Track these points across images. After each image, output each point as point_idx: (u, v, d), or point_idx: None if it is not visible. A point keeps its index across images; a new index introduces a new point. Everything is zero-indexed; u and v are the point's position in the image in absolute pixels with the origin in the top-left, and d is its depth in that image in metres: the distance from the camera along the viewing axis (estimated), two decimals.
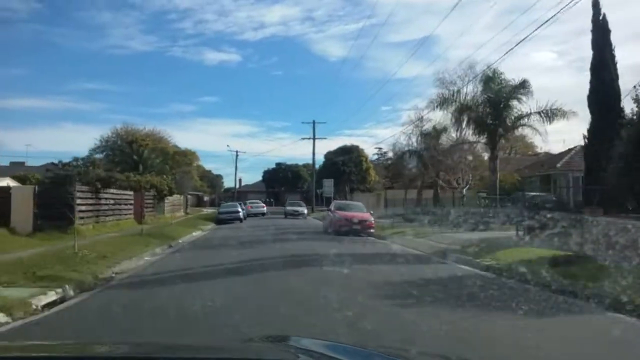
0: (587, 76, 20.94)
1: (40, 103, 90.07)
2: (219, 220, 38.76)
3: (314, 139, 60.83)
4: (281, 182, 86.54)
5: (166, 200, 41.85)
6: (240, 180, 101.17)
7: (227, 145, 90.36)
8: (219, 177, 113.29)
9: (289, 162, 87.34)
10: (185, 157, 57.45)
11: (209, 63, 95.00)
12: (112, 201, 27.23)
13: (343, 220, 24.86)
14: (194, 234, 26.83)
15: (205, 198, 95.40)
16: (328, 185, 49.11)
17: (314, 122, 60.70)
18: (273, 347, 2.44)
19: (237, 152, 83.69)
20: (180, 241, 22.06)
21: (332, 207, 28.44)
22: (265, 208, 54.15)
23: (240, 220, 40.02)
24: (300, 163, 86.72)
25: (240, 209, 41.08)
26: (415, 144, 38.20)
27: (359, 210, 26.95)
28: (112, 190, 26.86)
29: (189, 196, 61.20)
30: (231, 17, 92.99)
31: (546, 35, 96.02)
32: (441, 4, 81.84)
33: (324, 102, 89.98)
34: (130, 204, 31.68)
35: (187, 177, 52.31)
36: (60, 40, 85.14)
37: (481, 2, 75.95)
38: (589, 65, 20.69)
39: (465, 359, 3.87)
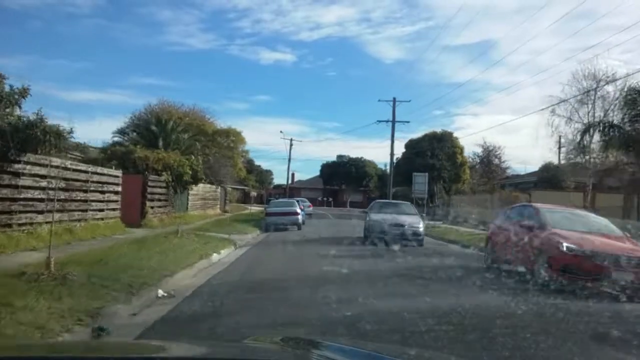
0: None
1: (99, 96, 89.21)
2: (267, 225, 25.29)
3: (393, 121, 46.54)
4: (342, 178, 72.46)
5: (191, 191, 28.53)
6: (293, 175, 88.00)
7: (281, 132, 79.80)
8: (269, 172, 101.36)
9: (352, 156, 73.14)
10: (228, 138, 44.22)
11: (265, 62, 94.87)
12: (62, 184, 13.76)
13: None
14: (213, 258, 13.01)
15: (253, 193, 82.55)
16: (420, 181, 34.84)
17: (394, 100, 46.41)
18: (273, 347, 2.40)
19: (291, 139, 70.50)
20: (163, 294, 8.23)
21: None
22: (311, 208, 40.45)
23: (299, 226, 26.34)
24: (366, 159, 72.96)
25: (298, 209, 27.31)
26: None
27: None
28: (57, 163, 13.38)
29: (229, 189, 48.00)
30: (288, 17, 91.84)
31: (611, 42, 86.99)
32: (500, 8, 75.08)
33: (378, 105, 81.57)
34: (115, 192, 18.32)
35: (226, 162, 38.78)
36: (121, 35, 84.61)
37: (543, 6, 69.68)
38: None
39: (464, 359, 3.71)
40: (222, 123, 45.91)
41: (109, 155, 24.14)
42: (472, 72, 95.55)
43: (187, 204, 28.17)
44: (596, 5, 65.54)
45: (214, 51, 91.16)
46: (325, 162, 74.53)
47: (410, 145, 47.26)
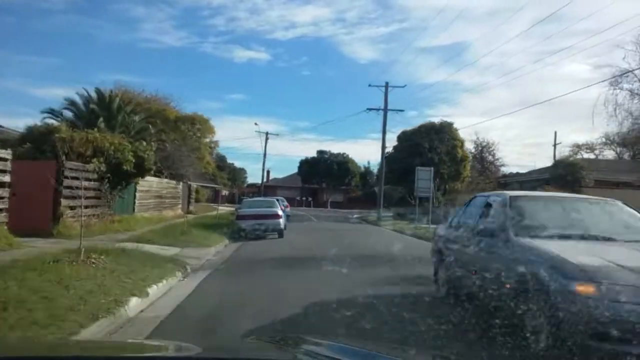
0: None
1: (71, 93, 78.70)
2: (238, 233, 19.13)
3: (385, 110, 40.62)
4: (322, 175, 66.31)
5: (139, 187, 21.99)
6: (268, 172, 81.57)
7: (255, 124, 73.29)
8: (242, 170, 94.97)
9: (335, 151, 67.06)
10: (193, 126, 37.59)
11: (239, 60, 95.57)
12: None
13: None
14: (118, 315, 6.54)
15: (224, 192, 75.90)
16: (424, 177, 28.90)
17: (386, 85, 40.51)
18: (273, 347, 2.41)
19: (267, 133, 64.02)
20: None
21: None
22: (288, 209, 34.47)
23: (280, 232, 20.20)
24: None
25: (279, 211, 21.13)
26: None
27: None
28: None
29: (196, 186, 41.34)
30: (263, 15, 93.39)
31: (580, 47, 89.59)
32: (474, 11, 76.41)
33: (353, 104, 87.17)
34: None
35: (190, 153, 32.23)
36: (94, 31, 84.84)
37: (514, 10, 73.61)
38: None
39: (464, 358, 3.77)
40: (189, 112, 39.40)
41: (22, 137, 17.77)
42: (444, 73, 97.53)
43: (134, 203, 21.62)
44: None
45: (186, 49, 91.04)
46: (304, 158, 68.23)
47: (404, 137, 41.37)
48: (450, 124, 40.49)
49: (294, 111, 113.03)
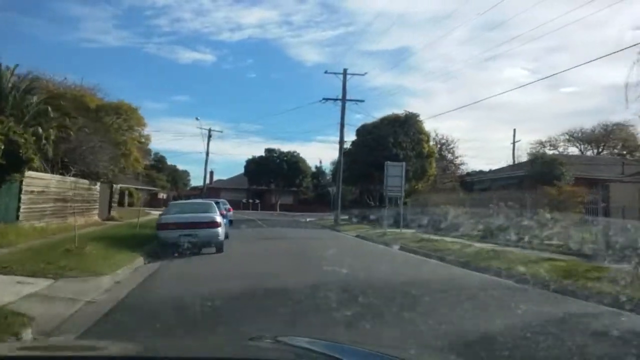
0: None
1: None
2: (162, 247, 13.91)
3: (343, 100, 35.95)
4: (271, 176, 61.01)
5: (27, 187, 16.20)
6: (211, 173, 75.65)
7: (197, 118, 65.96)
8: (185, 173, 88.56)
9: (284, 150, 61.89)
10: (119, 117, 31.60)
11: (183, 62, 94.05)
12: None
13: None
14: None
15: (162, 195, 69.44)
16: (395, 173, 24.30)
17: (344, 73, 35.86)
18: (273, 347, 2.41)
19: (209, 130, 58.06)
20: None
21: None
22: (231, 212, 29.74)
23: (219, 246, 15.04)
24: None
25: (218, 217, 15.88)
26: None
27: None
28: None
29: (126, 189, 35.24)
30: (208, 16, 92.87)
31: (520, 52, 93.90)
32: (417, 17, 78.52)
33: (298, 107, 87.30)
34: None
35: (111, 148, 26.35)
36: (34, 31, 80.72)
37: (456, 16, 76.89)
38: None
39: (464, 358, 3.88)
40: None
41: None
42: (390, 77, 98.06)
43: (18, 208, 15.86)
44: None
45: (130, 49, 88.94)
46: (251, 156, 62.60)
47: (364, 132, 36.81)
48: (415, 115, 36.24)
49: (241, 114, 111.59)
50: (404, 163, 25.83)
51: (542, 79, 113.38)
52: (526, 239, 17.36)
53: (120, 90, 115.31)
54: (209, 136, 58.01)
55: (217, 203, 19.77)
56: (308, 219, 43.28)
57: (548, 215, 17.79)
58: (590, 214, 23.77)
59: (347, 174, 36.97)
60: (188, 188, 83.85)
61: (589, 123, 55.36)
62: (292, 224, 35.43)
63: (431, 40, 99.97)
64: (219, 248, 14.98)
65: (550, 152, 47.87)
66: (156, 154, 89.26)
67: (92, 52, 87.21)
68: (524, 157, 49.10)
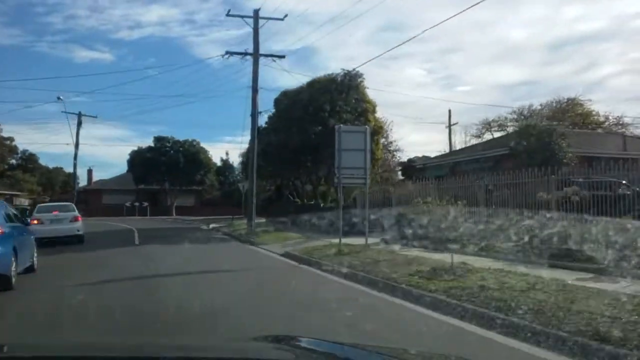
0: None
1: None
2: None
3: (255, 54, 24.95)
4: (164, 172, 48.49)
5: None
6: (90, 171, 61.76)
7: (59, 98, 47.26)
8: (71, 175, 73.40)
9: (179, 138, 49.45)
10: None
11: (79, 61, 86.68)
12: None
13: None
14: None
15: (24, 202, 54.12)
16: (354, 145, 13.81)
17: (256, 15, 24.91)
18: (273, 347, 2.40)
19: (79, 113, 44.47)
20: None
21: None
22: (78, 222, 18.54)
23: None
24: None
25: None
26: None
27: None
28: None
29: None
30: (105, 14, 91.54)
31: (417, 53, 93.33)
32: (319, 17, 77.91)
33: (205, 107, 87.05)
34: None
35: None
36: None
37: (357, 18, 77.09)
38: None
39: (465, 359, 3.41)
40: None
41: None
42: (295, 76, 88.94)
43: None
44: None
45: (19, 47, 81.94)
46: (136, 148, 49.55)
47: (286, 101, 26.24)
48: (357, 76, 25.99)
49: (144, 116, 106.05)
50: (367, 127, 15.37)
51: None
52: None
53: (10, 93, 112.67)
54: (79, 122, 44.58)
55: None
56: (212, 226, 31.99)
57: None
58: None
59: (261, 163, 26.12)
60: (75, 191, 69.13)
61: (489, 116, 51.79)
62: (187, 235, 24.14)
63: (334, 40, 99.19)
64: None
65: (499, 134, 40.18)
66: (24, 152, 73.75)
67: None
68: (462, 144, 41.48)
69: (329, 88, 25.23)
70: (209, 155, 50.20)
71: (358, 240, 14.36)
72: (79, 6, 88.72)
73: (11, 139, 69.86)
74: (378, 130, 26.84)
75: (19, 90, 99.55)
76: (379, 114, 28.12)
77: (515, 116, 46.69)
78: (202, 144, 50.31)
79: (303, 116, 24.54)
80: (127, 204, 48.86)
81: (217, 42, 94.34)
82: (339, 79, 25.87)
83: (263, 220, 27.40)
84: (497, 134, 42.29)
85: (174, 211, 49.58)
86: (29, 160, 74.35)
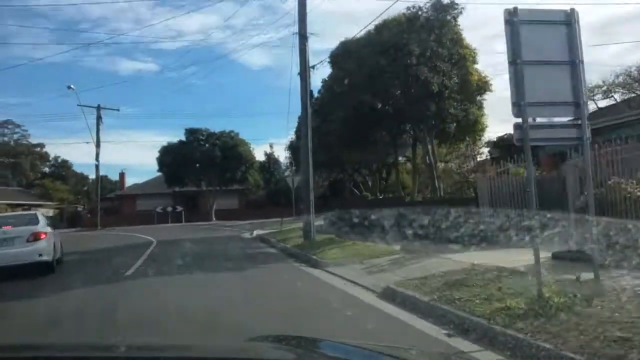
0: None
1: None
2: None
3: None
4: (200, 170, 41.45)
5: None
6: (122, 175, 55.97)
7: (69, 87, 40.63)
8: (104, 180, 68.50)
9: (214, 130, 42.29)
10: None
11: (125, 73, 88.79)
12: None
13: None
14: None
15: (47, 212, 48.40)
16: (548, 53, 6.17)
17: None
18: (273, 347, 2.37)
19: (98, 106, 38.04)
20: None
21: None
22: (42, 240, 10.94)
23: None
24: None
25: None
26: None
27: None
28: None
29: None
30: (148, 25, 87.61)
31: None
32: (359, 14, 75.33)
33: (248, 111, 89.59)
34: None
35: None
36: None
37: None
38: None
39: (465, 358, 3.64)
40: None
41: None
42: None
43: None
44: None
45: (69, 63, 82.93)
46: (166, 144, 42.67)
47: (349, 55, 18.48)
48: (450, 6, 17.79)
49: (189, 123, 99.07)
50: (573, 9, 7.19)
51: None
52: None
53: (63, 106, 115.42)
54: (98, 116, 38.17)
55: None
56: (256, 233, 24.62)
57: None
58: None
59: (315, 148, 18.28)
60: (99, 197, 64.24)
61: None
62: (218, 249, 16.78)
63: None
64: None
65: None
66: (56, 158, 68.79)
67: (29, 69, 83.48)
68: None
69: (411, 27, 17.17)
70: (250, 149, 42.80)
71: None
72: (122, 19, 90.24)
73: (41, 145, 65.26)
74: (483, 86, 18.61)
75: (62, 102, 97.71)
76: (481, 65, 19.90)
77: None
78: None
79: (375, 71, 16.60)
80: (159, 210, 42.25)
81: (256, 46, 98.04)
82: (424, 15, 17.74)
83: (320, 222, 19.96)
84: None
85: (213, 215, 42.61)
86: (62, 167, 69.67)
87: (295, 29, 15.71)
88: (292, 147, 27.53)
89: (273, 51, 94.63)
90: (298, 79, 15.88)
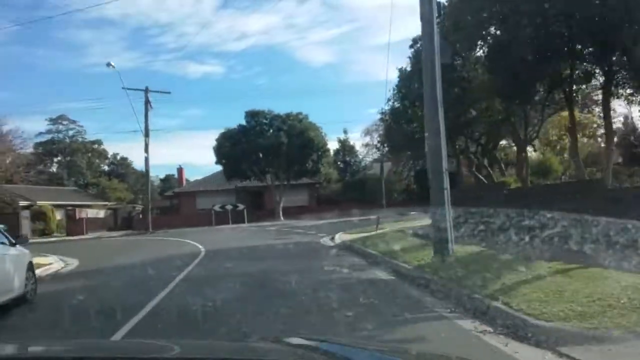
0: None
1: (25, 125, 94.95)
2: None
3: None
4: (263, 161, 35.03)
5: None
6: (180, 170, 51.13)
7: (109, 64, 34.18)
8: (168, 179, 64.21)
9: (279, 112, 35.71)
10: None
11: (193, 76, 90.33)
12: None
13: None
14: None
15: (85, 214, 43.31)
16: None
17: None
18: (273, 347, 2.33)
19: (146, 88, 32.57)
20: None
21: None
22: None
23: None
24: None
25: None
26: None
27: None
28: None
29: None
30: (212, 28, 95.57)
31: None
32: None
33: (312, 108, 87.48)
34: None
35: None
36: (40, 61, 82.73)
37: None
38: None
39: (465, 359, 3.34)
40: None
41: None
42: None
43: None
44: None
45: (139, 69, 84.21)
46: (224, 130, 36.47)
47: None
48: None
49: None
50: None
51: None
52: None
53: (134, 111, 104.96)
54: (146, 101, 32.62)
55: None
56: (340, 238, 17.82)
57: None
58: None
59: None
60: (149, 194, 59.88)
61: None
62: (290, 270, 10.02)
63: None
64: None
65: None
66: (115, 155, 64.83)
67: (102, 76, 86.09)
68: None
69: None
70: (322, 134, 35.95)
71: None
72: (188, 24, 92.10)
73: (99, 142, 61.42)
74: None
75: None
76: None
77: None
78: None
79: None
80: (216, 208, 36.22)
81: (318, 43, 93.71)
82: None
83: (426, 222, 13.26)
84: None
85: (280, 214, 36.17)
86: (121, 165, 65.79)
87: None
88: (386, 123, 20.54)
89: (334, 47, 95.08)
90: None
